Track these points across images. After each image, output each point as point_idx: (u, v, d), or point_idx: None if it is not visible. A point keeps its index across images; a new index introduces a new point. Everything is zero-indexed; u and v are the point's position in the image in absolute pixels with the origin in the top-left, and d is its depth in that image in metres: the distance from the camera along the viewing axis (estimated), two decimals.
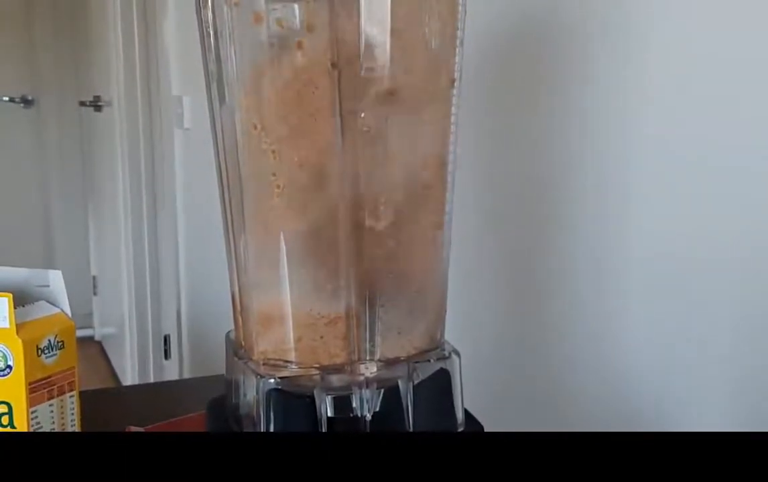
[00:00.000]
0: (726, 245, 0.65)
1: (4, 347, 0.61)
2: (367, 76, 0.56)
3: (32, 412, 0.62)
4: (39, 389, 0.62)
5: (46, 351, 0.62)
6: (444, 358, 0.61)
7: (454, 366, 0.61)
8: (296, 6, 0.55)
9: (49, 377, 0.63)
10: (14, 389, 0.61)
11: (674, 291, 0.70)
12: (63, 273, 0.66)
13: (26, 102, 3.27)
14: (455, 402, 0.61)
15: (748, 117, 0.63)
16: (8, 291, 0.61)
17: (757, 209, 0.62)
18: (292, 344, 0.58)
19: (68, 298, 0.66)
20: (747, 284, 0.64)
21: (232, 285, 0.64)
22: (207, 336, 2.10)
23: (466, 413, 0.63)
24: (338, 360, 0.59)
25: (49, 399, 0.63)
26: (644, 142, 0.73)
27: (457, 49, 0.59)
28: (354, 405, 0.58)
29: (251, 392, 0.58)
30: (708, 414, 0.68)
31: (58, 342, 0.63)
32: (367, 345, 0.59)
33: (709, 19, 0.66)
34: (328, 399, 0.58)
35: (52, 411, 0.63)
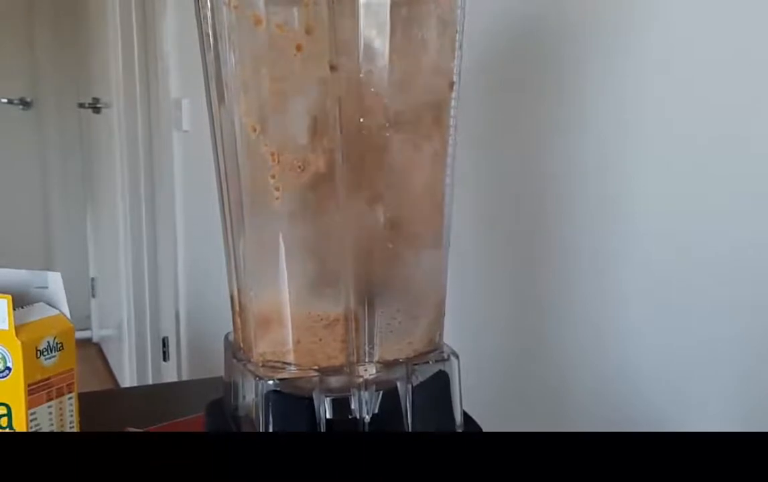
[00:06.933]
0: (728, 244, 0.65)
1: (4, 349, 0.61)
2: (366, 78, 0.56)
3: (31, 414, 0.62)
4: (38, 391, 0.62)
5: (45, 353, 0.62)
6: (443, 360, 0.61)
7: (453, 368, 0.61)
8: (295, 9, 0.55)
9: (48, 379, 0.63)
10: (13, 391, 0.61)
11: (676, 291, 0.70)
12: (62, 275, 0.66)
13: (25, 104, 3.27)
14: (454, 404, 0.61)
15: (752, 116, 0.63)
16: (7, 293, 0.61)
17: (758, 208, 0.62)
18: (290, 346, 0.58)
19: (67, 300, 0.66)
20: (749, 283, 0.64)
21: (230, 287, 0.64)
22: (206, 338, 2.10)
23: (465, 415, 0.63)
24: (337, 362, 0.59)
25: (48, 400, 0.63)
26: (645, 141, 0.73)
27: (456, 52, 0.60)
28: (353, 406, 0.58)
29: (250, 394, 0.58)
30: (709, 414, 0.68)
31: (57, 343, 0.63)
32: (366, 347, 0.59)
33: (709, 18, 0.66)
34: (327, 401, 0.58)
35: (50, 413, 0.63)
